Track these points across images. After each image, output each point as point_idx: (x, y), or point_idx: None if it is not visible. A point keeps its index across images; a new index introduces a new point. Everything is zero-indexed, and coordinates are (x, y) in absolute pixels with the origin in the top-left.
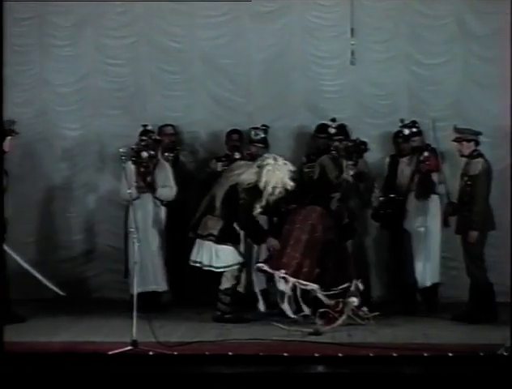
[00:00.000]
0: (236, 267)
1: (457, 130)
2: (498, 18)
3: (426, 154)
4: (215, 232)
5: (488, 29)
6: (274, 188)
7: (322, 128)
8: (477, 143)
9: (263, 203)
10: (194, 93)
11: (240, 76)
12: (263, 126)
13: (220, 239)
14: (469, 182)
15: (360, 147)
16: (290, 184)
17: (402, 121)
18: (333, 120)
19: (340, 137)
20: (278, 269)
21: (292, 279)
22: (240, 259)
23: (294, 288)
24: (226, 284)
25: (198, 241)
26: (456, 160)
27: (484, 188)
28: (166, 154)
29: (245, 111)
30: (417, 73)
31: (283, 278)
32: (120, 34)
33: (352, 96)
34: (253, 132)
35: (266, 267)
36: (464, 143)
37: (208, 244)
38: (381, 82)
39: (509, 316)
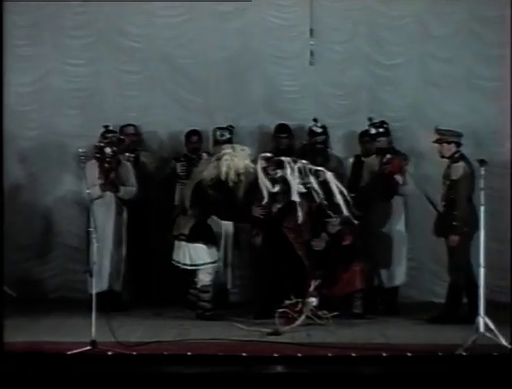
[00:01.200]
0: (209, 265)
1: (438, 131)
2: (457, 18)
3: (388, 156)
4: (186, 232)
5: (446, 30)
6: (237, 175)
7: (282, 128)
8: (458, 145)
9: (240, 196)
10: (154, 93)
11: (199, 76)
12: (229, 126)
13: (191, 238)
14: (451, 186)
15: (315, 147)
16: (252, 166)
17: (370, 119)
18: (315, 120)
19: (324, 136)
20: None
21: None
22: (213, 258)
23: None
24: (201, 281)
25: (175, 241)
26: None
27: (464, 193)
28: (127, 154)
29: (204, 111)
30: (376, 73)
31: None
32: (79, 34)
33: (311, 96)
34: (218, 133)
35: (270, 154)
36: (445, 144)
37: (182, 243)
38: (341, 82)
39: (510, 316)
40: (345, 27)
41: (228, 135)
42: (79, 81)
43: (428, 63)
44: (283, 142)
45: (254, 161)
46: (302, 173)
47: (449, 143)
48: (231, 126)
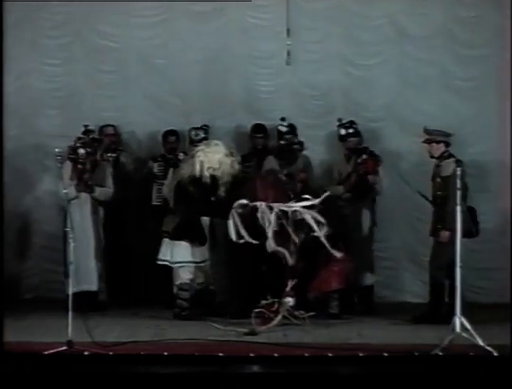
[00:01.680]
0: (190, 264)
1: (426, 131)
2: (432, 19)
3: (364, 157)
4: (170, 229)
5: (422, 30)
6: (213, 169)
7: (258, 128)
8: (447, 145)
9: (221, 191)
10: (131, 93)
11: (177, 76)
12: (204, 126)
13: (175, 235)
14: (441, 183)
15: (292, 147)
16: (228, 161)
17: (339, 120)
18: (283, 119)
19: (290, 135)
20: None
21: (275, 205)
22: (195, 258)
23: (279, 217)
24: (180, 279)
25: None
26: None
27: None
28: (109, 154)
29: (182, 111)
30: (352, 73)
31: (268, 206)
32: (56, 34)
33: (288, 96)
34: (193, 132)
35: (245, 202)
36: (434, 144)
37: (166, 240)
38: (317, 82)
39: (510, 316)
40: (321, 27)
41: (202, 135)
42: (58, 81)
43: (405, 63)
44: (259, 142)
45: (232, 154)
46: (279, 218)
47: (438, 142)
48: (206, 125)
